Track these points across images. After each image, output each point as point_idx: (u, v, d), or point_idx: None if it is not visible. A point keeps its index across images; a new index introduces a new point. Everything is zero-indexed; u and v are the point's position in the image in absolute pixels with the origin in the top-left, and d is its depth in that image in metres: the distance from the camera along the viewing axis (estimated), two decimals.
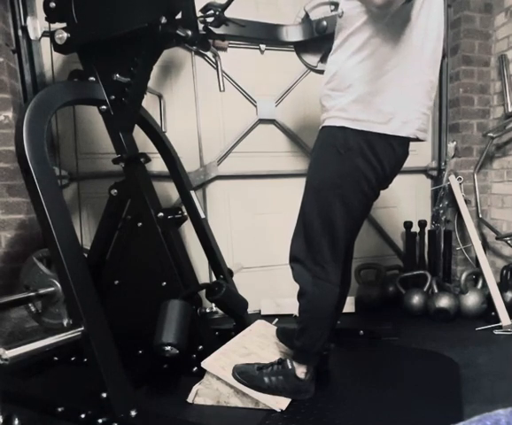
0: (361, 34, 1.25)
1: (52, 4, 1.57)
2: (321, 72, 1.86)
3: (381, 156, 1.30)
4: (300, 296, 1.43)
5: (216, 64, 1.91)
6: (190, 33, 1.50)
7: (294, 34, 1.76)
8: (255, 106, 2.40)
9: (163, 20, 1.43)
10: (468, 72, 2.57)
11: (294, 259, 1.43)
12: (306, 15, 1.79)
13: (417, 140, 1.36)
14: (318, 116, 2.65)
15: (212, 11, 1.61)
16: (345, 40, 1.30)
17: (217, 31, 1.66)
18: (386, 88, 1.26)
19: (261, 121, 2.42)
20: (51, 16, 1.59)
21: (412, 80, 1.29)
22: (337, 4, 1.76)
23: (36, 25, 1.99)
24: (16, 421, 1.21)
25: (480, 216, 2.61)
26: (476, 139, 2.63)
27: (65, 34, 1.56)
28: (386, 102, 1.27)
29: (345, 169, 1.32)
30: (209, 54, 2.16)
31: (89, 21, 1.53)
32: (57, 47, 1.60)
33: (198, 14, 1.56)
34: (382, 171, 1.33)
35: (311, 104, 2.48)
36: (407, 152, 1.40)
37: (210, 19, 1.61)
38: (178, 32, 1.49)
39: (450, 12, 2.60)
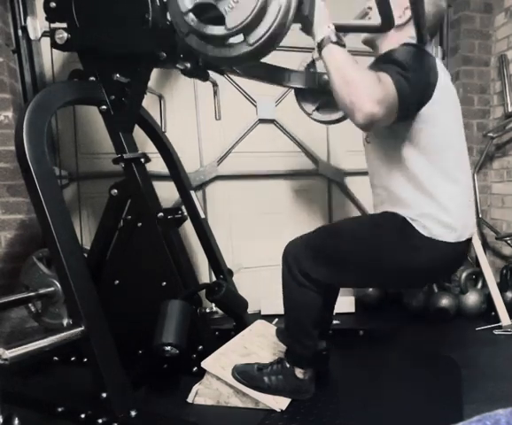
0: (402, 154, 1.28)
1: (52, 4, 1.57)
2: (315, 120, 1.87)
3: (434, 263, 1.31)
4: (284, 297, 1.43)
5: (214, 93, 1.91)
6: (189, 66, 1.51)
7: (296, 80, 1.75)
8: (255, 106, 2.40)
9: (163, 56, 1.45)
10: (468, 72, 2.57)
11: (285, 261, 1.41)
12: (313, 62, 1.78)
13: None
14: None
15: None
16: (385, 164, 1.33)
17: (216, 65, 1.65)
18: (449, 201, 1.28)
19: (261, 121, 2.42)
20: (51, 16, 1.59)
21: (465, 181, 1.33)
22: None
23: (36, 25, 2.00)
24: (16, 421, 1.21)
25: (480, 216, 2.61)
26: (476, 139, 2.63)
27: (65, 35, 1.56)
28: (452, 214, 1.27)
29: (393, 254, 1.31)
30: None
31: (89, 26, 1.53)
32: (56, 45, 1.60)
33: None
34: (423, 276, 1.37)
35: None
36: (466, 251, 1.40)
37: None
38: (177, 65, 1.52)
39: (450, 12, 2.60)
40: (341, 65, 1.12)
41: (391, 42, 1.29)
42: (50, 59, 1.79)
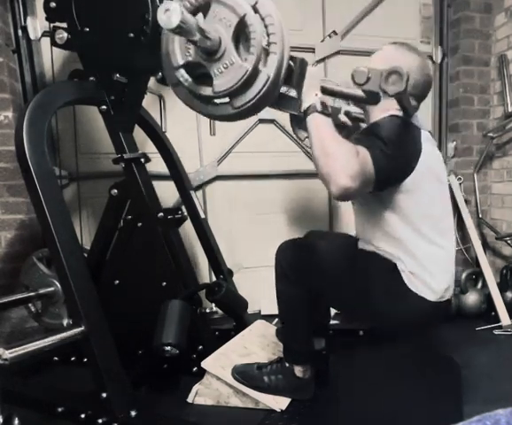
0: (389, 220, 1.30)
1: (52, 4, 1.57)
2: (308, 147, 1.85)
3: (413, 316, 1.35)
4: (277, 293, 1.44)
5: None
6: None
7: (292, 105, 1.75)
8: None
9: (159, 76, 1.46)
10: (468, 72, 2.57)
11: (278, 264, 1.41)
12: None
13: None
14: None
15: None
16: (374, 226, 1.35)
17: None
18: (432, 260, 1.31)
19: (261, 121, 2.41)
20: (51, 16, 1.59)
21: (450, 246, 1.37)
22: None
23: (36, 25, 2.00)
24: (16, 421, 1.21)
25: (480, 216, 2.61)
26: (476, 139, 2.63)
27: (65, 35, 1.56)
28: (436, 278, 1.31)
29: (381, 296, 1.33)
30: None
31: (89, 27, 1.53)
32: (56, 44, 1.60)
33: None
34: (407, 322, 1.38)
35: None
36: (446, 308, 1.44)
37: None
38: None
39: (450, 12, 2.60)
40: (322, 136, 1.15)
41: (380, 109, 1.31)
42: (50, 59, 1.80)
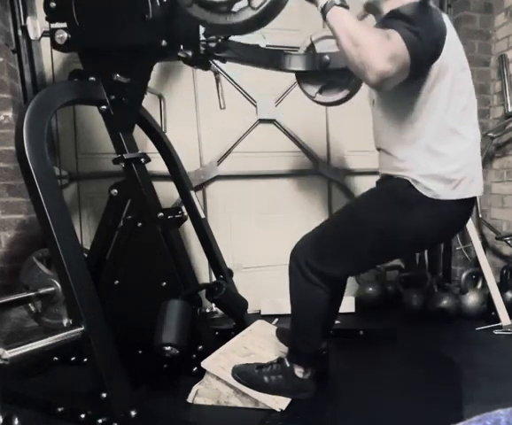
0: (408, 117, 1.26)
1: (52, 4, 1.57)
2: (319, 103, 1.87)
3: (441, 223, 1.31)
4: (292, 295, 1.43)
5: (217, 82, 1.91)
6: (190, 54, 1.50)
7: (297, 63, 1.75)
8: (255, 106, 2.40)
9: (163, 43, 1.44)
10: None
11: (294, 259, 1.41)
12: (312, 45, 1.78)
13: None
14: (318, 116, 2.65)
15: (215, 37, 1.59)
16: (391, 125, 1.31)
17: (218, 54, 1.65)
18: (452, 157, 1.26)
19: (261, 121, 2.42)
20: (51, 16, 1.58)
21: (470, 137, 1.30)
22: None
23: (36, 25, 1.99)
24: (16, 421, 1.21)
25: (480, 216, 2.61)
26: None
27: (65, 35, 1.56)
28: (455, 168, 1.26)
29: (397, 223, 1.31)
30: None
31: (89, 25, 1.53)
32: (56, 45, 1.60)
33: (201, 37, 1.56)
34: (433, 237, 1.36)
35: (311, 104, 2.48)
36: (471, 209, 1.40)
37: (212, 44, 1.60)
38: (179, 53, 1.50)
39: (450, 12, 2.59)
40: (347, 27, 1.10)
41: (394, 3, 1.24)
42: (50, 59, 1.79)
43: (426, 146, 1.26)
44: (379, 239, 1.33)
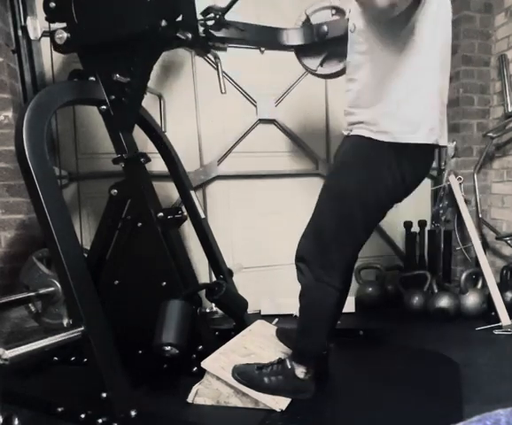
0: (378, 48, 1.27)
1: (52, 4, 1.57)
2: (321, 76, 1.87)
3: (405, 167, 1.32)
4: (302, 296, 1.44)
5: (217, 66, 1.91)
6: (190, 36, 1.50)
7: (294, 38, 1.76)
8: (255, 106, 2.40)
9: (163, 24, 1.43)
10: (468, 72, 2.57)
11: (301, 259, 1.42)
12: (307, 19, 1.79)
13: (438, 147, 1.37)
14: (318, 115, 2.66)
15: (212, 15, 1.60)
16: (361, 55, 1.31)
17: (217, 34, 1.66)
18: (410, 98, 1.27)
19: (261, 121, 2.42)
20: (51, 16, 1.59)
21: (431, 87, 1.30)
22: (338, 9, 1.76)
23: (36, 25, 1.99)
24: (16, 421, 1.21)
25: (480, 216, 2.61)
26: (476, 139, 2.63)
27: (65, 34, 1.56)
28: (413, 112, 1.28)
29: (370, 179, 1.33)
30: (210, 56, 2.16)
31: (88, 22, 1.53)
32: (56, 46, 1.60)
33: (199, 17, 1.56)
34: (403, 183, 1.35)
35: (311, 104, 2.48)
36: (432, 161, 1.43)
37: (210, 23, 1.61)
38: (178, 35, 1.49)
39: None
40: None
41: None
42: (50, 59, 1.80)
43: (386, 85, 1.27)
44: (363, 202, 1.35)
